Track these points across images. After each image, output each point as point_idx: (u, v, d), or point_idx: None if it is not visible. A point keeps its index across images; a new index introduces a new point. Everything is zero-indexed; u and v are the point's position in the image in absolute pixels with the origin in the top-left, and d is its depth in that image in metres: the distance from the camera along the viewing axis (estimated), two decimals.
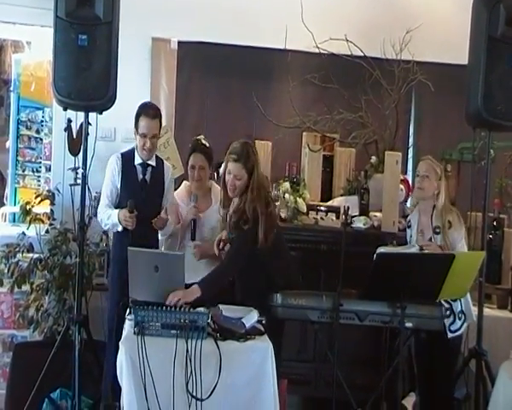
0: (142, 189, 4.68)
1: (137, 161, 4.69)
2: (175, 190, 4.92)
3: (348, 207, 4.49)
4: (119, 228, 4.58)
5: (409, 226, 4.66)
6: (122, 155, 4.75)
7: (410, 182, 5.68)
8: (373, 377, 4.65)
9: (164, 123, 5.01)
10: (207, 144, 4.87)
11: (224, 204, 4.33)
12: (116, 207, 4.65)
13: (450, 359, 4.42)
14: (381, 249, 4.55)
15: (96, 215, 5.24)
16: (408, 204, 5.60)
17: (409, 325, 4.06)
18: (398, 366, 4.08)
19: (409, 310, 4.02)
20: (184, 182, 4.95)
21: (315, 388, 5.20)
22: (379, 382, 4.34)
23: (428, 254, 4.31)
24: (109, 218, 4.61)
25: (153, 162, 4.70)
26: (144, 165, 4.69)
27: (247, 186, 4.19)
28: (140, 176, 4.69)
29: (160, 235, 4.74)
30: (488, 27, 4.32)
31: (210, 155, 4.78)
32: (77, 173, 4.65)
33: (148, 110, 4.66)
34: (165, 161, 4.82)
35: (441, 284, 3.96)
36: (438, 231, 4.37)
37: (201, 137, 4.95)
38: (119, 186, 4.67)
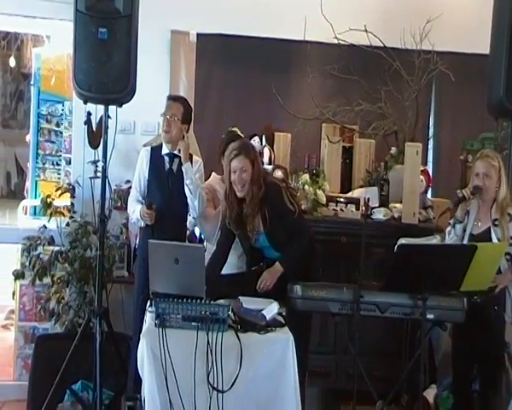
0: (168, 178, 4.73)
1: (164, 151, 4.75)
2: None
3: (368, 199, 4.46)
4: (142, 223, 4.67)
5: (466, 214, 4.41)
6: (152, 148, 4.84)
7: (431, 173, 5.65)
8: (394, 369, 4.63)
9: None
10: (243, 136, 4.90)
11: (232, 214, 4.39)
12: (144, 198, 4.73)
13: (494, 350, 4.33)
14: (402, 241, 4.52)
15: (115, 208, 5.29)
16: (429, 195, 5.58)
17: (430, 316, 4.04)
18: (419, 358, 4.06)
19: (430, 302, 3.99)
20: (213, 174, 4.96)
21: (335, 380, 5.19)
22: (400, 374, 4.31)
23: (450, 245, 4.27)
24: (134, 212, 4.72)
25: (178, 152, 4.73)
26: (171, 155, 4.73)
27: (252, 180, 4.28)
28: (167, 166, 4.74)
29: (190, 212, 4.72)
30: (510, 16, 4.27)
31: None
32: (97, 166, 4.67)
33: (173, 94, 4.88)
34: (194, 155, 4.84)
35: (463, 276, 3.94)
36: (497, 223, 4.26)
37: (236, 129, 4.98)
38: (147, 176, 4.73)
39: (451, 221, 4.42)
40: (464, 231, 4.36)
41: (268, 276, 4.33)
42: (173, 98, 4.80)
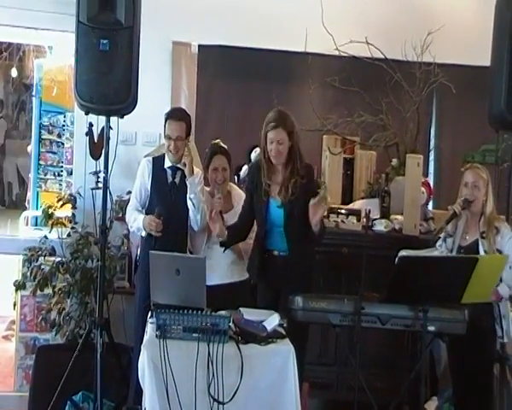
0: (171, 191, 4.72)
1: (167, 164, 4.74)
2: None
3: (369, 210, 4.48)
4: (143, 233, 4.65)
5: (456, 227, 4.46)
6: (153, 158, 4.82)
7: (432, 185, 5.66)
8: (395, 380, 4.63)
9: None
10: (226, 147, 4.90)
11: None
12: (145, 209, 4.72)
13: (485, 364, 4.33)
14: (403, 252, 4.52)
15: (117, 219, 5.29)
16: (430, 207, 5.58)
17: (431, 328, 4.03)
18: (420, 370, 4.05)
19: (431, 314, 3.98)
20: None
21: (336, 391, 5.18)
22: (401, 385, 4.31)
23: (451, 257, 4.27)
24: (135, 221, 4.69)
25: (182, 166, 4.71)
26: (174, 168, 4.72)
27: (289, 155, 4.29)
28: (170, 179, 4.73)
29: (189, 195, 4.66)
30: (511, 28, 4.28)
31: (230, 158, 4.82)
32: (98, 177, 4.68)
33: (173, 113, 4.73)
34: (194, 167, 4.83)
35: (464, 288, 3.93)
36: (484, 235, 4.29)
37: (219, 140, 4.97)
38: (149, 188, 4.73)
39: (442, 235, 4.46)
40: (453, 243, 4.41)
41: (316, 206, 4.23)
42: (176, 118, 4.67)
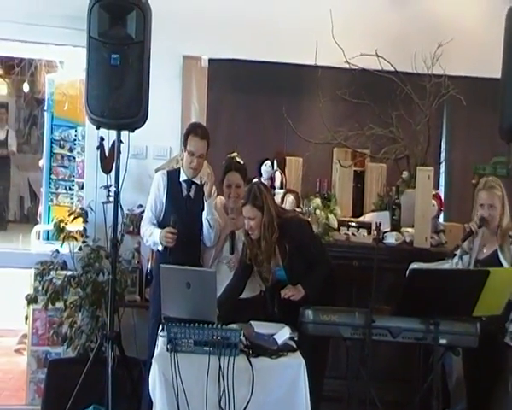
0: (186, 204, 4.73)
1: (182, 177, 4.75)
2: None
3: (380, 223, 4.46)
4: (160, 247, 4.64)
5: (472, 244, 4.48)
6: (168, 172, 4.83)
7: (443, 197, 5.64)
8: (406, 394, 4.61)
9: None
10: (242, 162, 4.89)
11: (251, 252, 4.40)
12: (159, 222, 4.72)
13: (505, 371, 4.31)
14: (414, 265, 4.51)
15: (128, 233, 5.29)
16: (441, 219, 5.56)
17: (443, 341, 4.01)
18: (432, 383, 4.03)
19: (442, 327, 3.96)
20: (219, 197, 4.94)
21: (347, 405, 5.13)
22: (412, 399, 4.28)
23: (462, 270, 4.25)
24: (151, 235, 4.68)
25: (197, 180, 4.72)
26: (189, 182, 4.73)
27: (263, 226, 4.29)
28: (185, 192, 4.74)
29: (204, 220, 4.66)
30: None
31: (245, 173, 4.80)
32: (109, 191, 4.70)
33: (197, 130, 4.71)
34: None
35: (476, 301, 3.91)
36: (503, 248, 4.28)
37: (235, 154, 4.96)
38: (164, 201, 4.73)
39: (458, 252, 4.44)
40: (470, 258, 4.39)
41: (293, 289, 4.28)
42: (200, 136, 4.65)
